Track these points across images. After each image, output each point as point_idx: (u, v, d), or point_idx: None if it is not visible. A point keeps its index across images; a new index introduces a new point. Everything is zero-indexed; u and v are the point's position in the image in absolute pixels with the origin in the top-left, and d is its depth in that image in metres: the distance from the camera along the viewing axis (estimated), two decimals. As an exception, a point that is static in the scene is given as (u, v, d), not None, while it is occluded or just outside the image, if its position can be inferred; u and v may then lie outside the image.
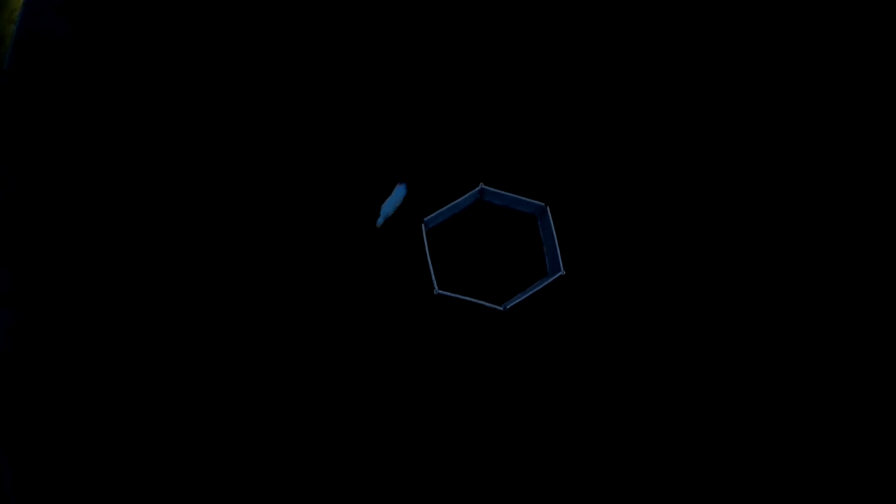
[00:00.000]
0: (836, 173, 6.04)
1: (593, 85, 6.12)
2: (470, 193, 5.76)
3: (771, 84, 6.15)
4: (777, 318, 5.84)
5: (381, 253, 5.82)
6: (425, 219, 5.71)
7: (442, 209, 5.71)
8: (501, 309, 5.63)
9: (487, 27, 6.09)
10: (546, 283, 5.68)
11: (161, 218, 5.76)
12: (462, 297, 5.61)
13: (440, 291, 5.63)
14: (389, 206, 5.44)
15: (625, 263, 5.89)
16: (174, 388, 5.56)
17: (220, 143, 5.86)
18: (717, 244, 5.93)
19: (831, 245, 5.95)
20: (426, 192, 5.89)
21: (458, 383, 5.69)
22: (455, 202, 5.73)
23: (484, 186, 5.74)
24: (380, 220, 5.41)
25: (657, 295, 5.84)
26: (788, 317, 5.84)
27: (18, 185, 5.58)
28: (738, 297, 5.85)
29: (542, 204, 5.77)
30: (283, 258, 5.77)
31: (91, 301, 5.61)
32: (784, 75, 6.16)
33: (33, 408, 5.42)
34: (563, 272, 5.66)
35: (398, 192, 5.47)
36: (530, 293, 5.67)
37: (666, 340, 5.79)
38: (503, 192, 5.78)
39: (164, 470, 5.46)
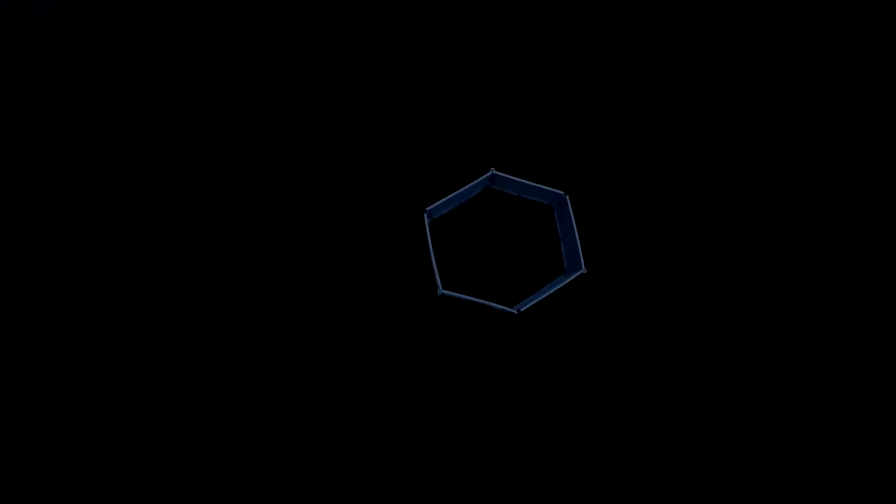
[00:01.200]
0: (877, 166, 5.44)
1: (620, 56, 5.47)
2: (480, 179, 5.13)
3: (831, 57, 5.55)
4: (836, 332, 5.22)
5: (377, 247, 5.17)
6: (428, 208, 5.07)
7: (447, 197, 5.08)
8: (514, 312, 5.02)
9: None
10: (565, 282, 5.06)
11: (150, 202, 5.12)
12: (469, 298, 5.00)
13: (445, 291, 5.00)
14: None
15: (655, 261, 5.25)
16: (166, 387, 4.91)
17: (215, 122, 5.23)
18: (764, 241, 5.29)
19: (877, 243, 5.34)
20: (430, 177, 5.25)
21: (465, 394, 5.06)
22: (463, 189, 5.10)
23: (495, 172, 5.11)
24: None
25: (691, 298, 5.21)
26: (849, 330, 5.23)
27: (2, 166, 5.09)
28: (793, 303, 5.23)
29: (562, 193, 5.15)
30: (271, 248, 5.14)
31: (78, 290, 5.00)
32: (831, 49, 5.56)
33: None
34: (584, 270, 5.05)
35: None
36: (547, 294, 5.05)
37: (701, 350, 5.15)
38: (517, 179, 5.15)
39: (158, 471, 4.83)
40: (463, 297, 5.01)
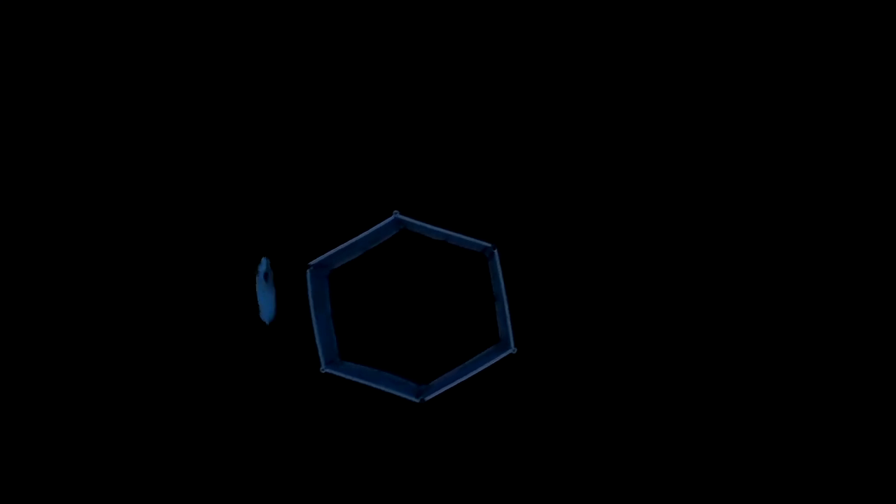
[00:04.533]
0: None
1: (565, 71, 4.24)
2: (380, 226, 4.10)
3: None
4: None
5: (246, 311, 4.17)
6: (311, 262, 4.08)
7: (336, 248, 4.08)
8: (417, 401, 4.04)
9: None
10: (488, 364, 4.03)
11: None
12: (359, 380, 4.04)
13: (328, 369, 4.05)
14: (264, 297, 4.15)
15: (606, 334, 4.14)
16: None
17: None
18: (735, 309, 4.11)
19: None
20: (315, 222, 4.21)
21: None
22: (356, 238, 4.07)
23: (400, 216, 4.08)
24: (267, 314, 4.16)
25: (652, 384, 4.10)
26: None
27: None
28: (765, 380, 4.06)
29: (489, 244, 4.06)
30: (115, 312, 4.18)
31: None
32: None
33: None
34: (513, 349, 4.00)
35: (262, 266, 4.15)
36: (462, 378, 4.03)
37: (664, 452, 4.04)
38: (430, 226, 4.10)
39: None
40: (352, 377, 4.04)
